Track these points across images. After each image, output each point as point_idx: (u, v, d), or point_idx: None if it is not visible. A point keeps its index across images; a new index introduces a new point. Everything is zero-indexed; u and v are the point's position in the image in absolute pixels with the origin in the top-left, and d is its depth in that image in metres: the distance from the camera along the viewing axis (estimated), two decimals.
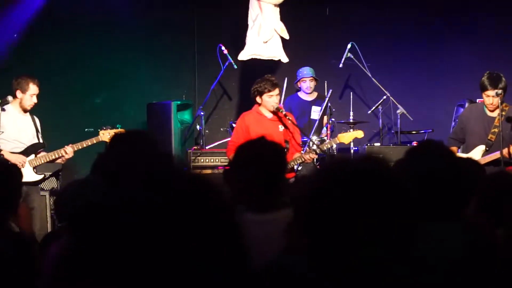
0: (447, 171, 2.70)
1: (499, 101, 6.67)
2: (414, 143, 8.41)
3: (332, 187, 1.51)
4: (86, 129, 9.06)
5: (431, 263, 2.43)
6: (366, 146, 8.00)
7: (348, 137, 7.24)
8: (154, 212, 1.15)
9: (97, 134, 8.08)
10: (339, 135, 7.32)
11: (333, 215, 1.47)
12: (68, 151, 7.03)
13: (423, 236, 1.77)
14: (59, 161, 7.12)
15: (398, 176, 1.53)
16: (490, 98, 6.70)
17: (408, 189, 1.52)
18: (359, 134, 7.29)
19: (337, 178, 1.53)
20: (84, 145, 7.11)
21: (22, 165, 6.81)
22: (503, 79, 6.67)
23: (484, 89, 6.70)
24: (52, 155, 7.05)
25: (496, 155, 6.57)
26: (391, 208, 1.46)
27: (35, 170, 7.00)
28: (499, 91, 6.64)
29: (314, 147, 7.37)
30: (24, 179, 6.85)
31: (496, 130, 6.67)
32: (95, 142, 7.15)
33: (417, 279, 1.67)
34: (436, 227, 2.56)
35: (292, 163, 6.90)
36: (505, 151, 6.54)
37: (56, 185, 7.58)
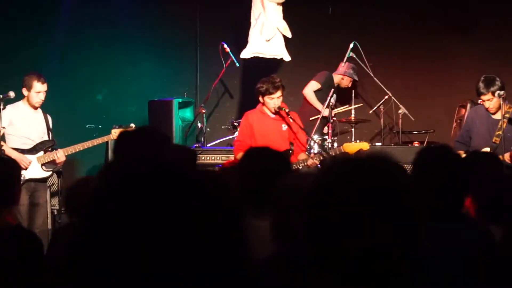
0: (453, 174, 2.72)
1: (501, 102, 6.68)
2: (416, 143, 8.42)
3: (334, 186, 1.50)
4: (87, 126, 9.07)
5: (433, 261, 2.43)
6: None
7: (353, 147, 7.25)
8: (155, 209, 1.14)
9: (99, 130, 8.12)
10: (345, 144, 7.35)
11: (336, 214, 1.47)
12: (59, 155, 7.04)
13: (425, 235, 1.77)
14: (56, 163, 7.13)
15: (401, 174, 1.53)
16: (487, 102, 6.75)
17: (411, 187, 1.52)
18: (365, 146, 7.31)
19: (340, 176, 1.53)
20: (95, 143, 7.13)
21: (25, 166, 6.82)
22: (497, 81, 6.69)
23: (479, 94, 6.78)
24: (56, 153, 7.09)
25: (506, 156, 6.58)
26: (394, 206, 1.47)
27: (43, 167, 7.02)
28: (501, 92, 6.65)
29: (316, 149, 7.39)
30: (32, 176, 6.92)
31: (500, 132, 6.68)
32: (106, 140, 7.18)
33: (419, 277, 1.67)
34: (437, 227, 2.57)
35: (295, 165, 6.89)
36: (507, 156, 6.54)
37: (57, 182, 7.59)
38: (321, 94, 8.44)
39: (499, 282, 2.64)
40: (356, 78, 8.89)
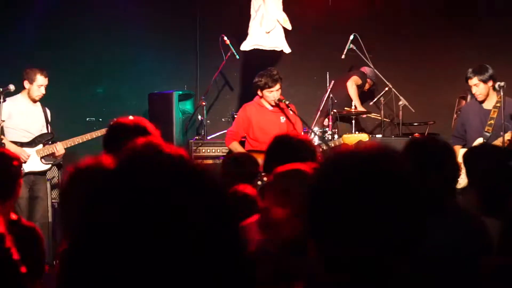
0: (442, 166, 2.71)
1: (502, 93, 6.69)
2: (416, 135, 8.41)
3: (336, 181, 1.49)
4: (87, 119, 9.07)
5: (428, 256, 2.43)
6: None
7: (353, 139, 7.26)
8: (149, 208, 1.13)
9: (99, 123, 8.11)
10: (344, 136, 7.36)
11: (338, 210, 1.46)
12: (59, 148, 7.05)
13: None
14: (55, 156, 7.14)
15: (404, 167, 1.52)
16: (474, 87, 6.85)
17: (415, 181, 1.51)
18: (364, 137, 7.32)
19: (341, 171, 1.51)
20: (94, 136, 7.16)
21: (23, 160, 6.82)
22: (486, 71, 6.76)
23: (466, 79, 6.87)
24: (55, 146, 7.10)
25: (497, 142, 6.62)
26: (399, 201, 1.45)
27: (42, 160, 7.03)
28: (501, 84, 6.68)
29: (316, 141, 7.39)
30: (32, 169, 6.93)
31: (492, 122, 6.73)
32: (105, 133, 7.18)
33: (420, 276, 1.66)
34: (437, 224, 2.56)
35: None
36: (508, 135, 6.58)
37: (57, 175, 7.60)
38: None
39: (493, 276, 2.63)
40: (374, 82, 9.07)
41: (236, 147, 7.14)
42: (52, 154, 7.08)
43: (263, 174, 6.79)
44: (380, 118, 8.59)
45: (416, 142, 3.06)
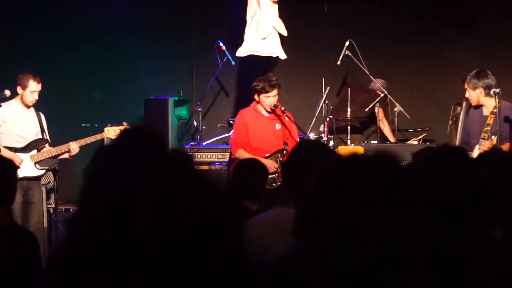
0: (461, 176, 2.71)
1: (496, 100, 6.70)
2: (412, 140, 8.42)
3: (337, 185, 1.49)
4: (83, 124, 9.06)
5: (433, 261, 2.42)
6: (363, 144, 8.00)
7: (347, 151, 7.28)
8: (156, 211, 1.13)
9: (94, 128, 8.09)
10: (339, 147, 7.39)
11: (339, 214, 1.45)
12: (74, 147, 7.05)
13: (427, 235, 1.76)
14: (65, 156, 7.15)
15: (407, 173, 1.52)
16: (467, 91, 6.93)
17: (417, 186, 1.51)
18: (359, 149, 7.34)
19: (343, 176, 1.51)
20: (88, 142, 7.14)
21: (16, 165, 6.80)
22: (476, 78, 6.86)
23: (463, 83, 6.95)
24: (54, 151, 7.09)
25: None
26: (399, 206, 1.45)
27: (37, 165, 7.02)
28: (497, 90, 6.71)
29: None
30: (26, 174, 6.91)
31: (488, 128, 6.72)
32: (99, 138, 7.18)
33: (420, 277, 1.66)
34: (438, 226, 2.56)
35: None
36: (506, 147, 6.57)
37: (52, 180, 7.58)
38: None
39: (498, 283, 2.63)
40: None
41: (243, 154, 7.08)
42: (53, 157, 7.07)
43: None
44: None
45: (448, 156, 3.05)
